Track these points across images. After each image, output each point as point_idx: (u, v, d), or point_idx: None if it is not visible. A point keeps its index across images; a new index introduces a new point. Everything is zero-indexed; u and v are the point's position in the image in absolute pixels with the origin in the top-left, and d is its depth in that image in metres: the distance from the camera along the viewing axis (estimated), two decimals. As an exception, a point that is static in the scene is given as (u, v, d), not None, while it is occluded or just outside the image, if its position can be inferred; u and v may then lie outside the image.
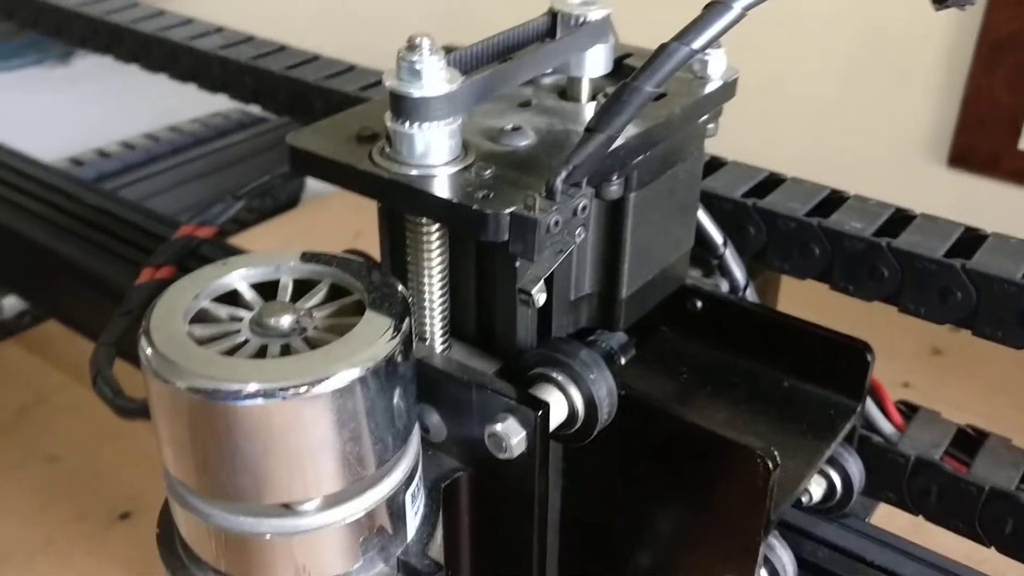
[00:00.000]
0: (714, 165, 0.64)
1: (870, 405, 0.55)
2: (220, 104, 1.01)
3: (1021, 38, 1.13)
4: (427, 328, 0.44)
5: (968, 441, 0.57)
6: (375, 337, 0.36)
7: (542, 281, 0.39)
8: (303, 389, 0.34)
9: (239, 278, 0.40)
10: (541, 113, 0.47)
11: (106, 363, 0.55)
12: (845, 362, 0.51)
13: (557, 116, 0.47)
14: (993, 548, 0.54)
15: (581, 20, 0.47)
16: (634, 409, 0.45)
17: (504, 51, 0.47)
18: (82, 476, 0.95)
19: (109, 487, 0.94)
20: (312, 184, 1.36)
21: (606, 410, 0.43)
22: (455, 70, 0.40)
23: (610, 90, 0.43)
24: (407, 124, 0.40)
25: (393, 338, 0.37)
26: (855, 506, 0.53)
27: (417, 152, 0.40)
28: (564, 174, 0.38)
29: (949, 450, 0.56)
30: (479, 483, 0.43)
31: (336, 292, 0.40)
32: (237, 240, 1.23)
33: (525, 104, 0.48)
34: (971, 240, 0.55)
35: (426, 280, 0.43)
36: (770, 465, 0.43)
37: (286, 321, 0.37)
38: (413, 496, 0.40)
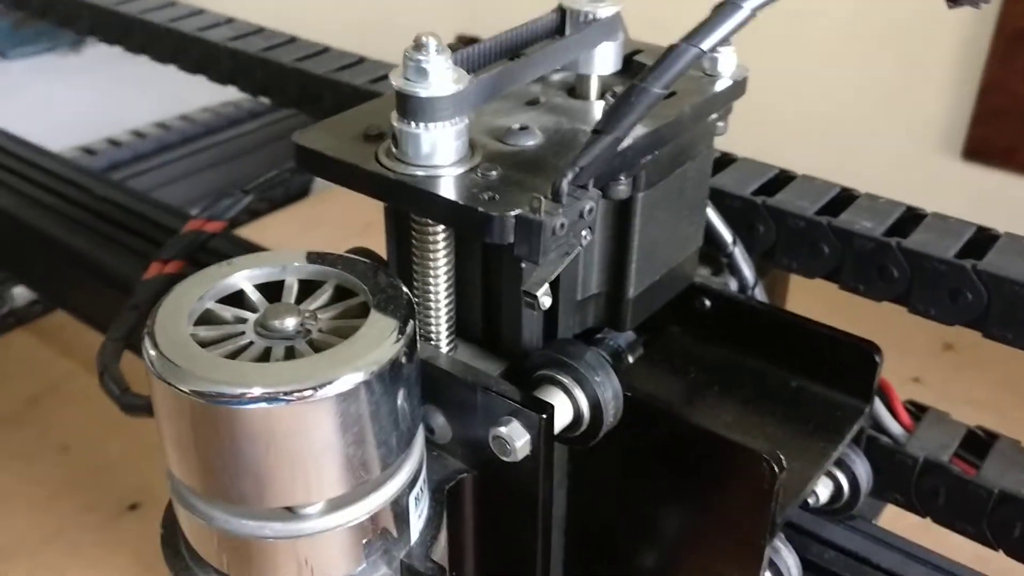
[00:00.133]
0: (724, 162, 0.63)
1: (878, 405, 0.55)
2: (231, 93, 1.01)
3: (1038, 31, 1.12)
4: (433, 328, 0.44)
5: (978, 443, 0.56)
6: (379, 341, 0.36)
7: (547, 284, 0.39)
8: (307, 393, 0.34)
9: (244, 279, 0.40)
10: (549, 111, 0.47)
11: (113, 359, 0.55)
12: (853, 363, 0.50)
13: (565, 115, 0.47)
14: (1001, 551, 0.54)
15: (590, 17, 0.47)
16: (640, 411, 0.45)
17: (512, 48, 0.46)
18: (91, 467, 0.96)
19: (118, 478, 0.94)
20: (322, 174, 1.35)
21: (612, 413, 0.43)
22: (462, 69, 0.40)
23: (618, 89, 0.43)
24: (413, 124, 0.39)
25: (397, 341, 0.36)
26: (862, 507, 0.53)
27: (423, 152, 0.40)
28: (570, 176, 0.37)
29: (958, 452, 0.56)
30: (484, 485, 0.43)
31: (341, 293, 0.40)
32: (247, 230, 1.23)
33: (533, 102, 0.48)
34: (983, 240, 0.55)
35: (432, 280, 0.43)
36: (776, 468, 0.42)
37: (290, 323, 0.37)
38: (417, 499, 0.40)
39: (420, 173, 0.40)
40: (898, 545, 0.52)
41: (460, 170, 0.40)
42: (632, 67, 0.50)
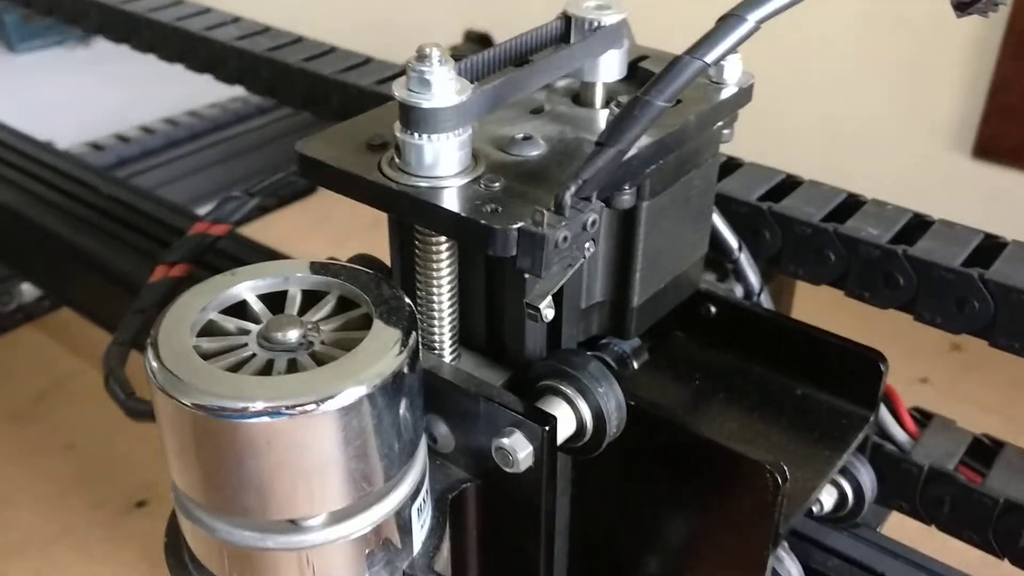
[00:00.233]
0: (730, 166, 0.63)
1: (884, 412, 0.55)
2: (240, 88, 1.01)
3: (1049, 29, 1.11)
4: (436, 337, 0.44)
5: (984, 450, 0.56)
6: (382, 353, 0.36)
7: (550, 296, 0.39)
8: (309, 407, 0.34)
9: (247, 289, 0.40)
10: (553, 120, 0.47)
11: (118, 363, 0.55)
12: (859, 371, 0.50)
13: (569, 123, 0.46)
14: (1007, 560, 0.54)
15: (596, 25, 0.46)
16: (643, 420, 0.45)
17: (517, 56, 0.46)
18: (98, 464, 0.96)
19: (125, 475, 0.95)
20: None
21: (615, 424, 0.43)
22: (465, 80, 0.40)
23: (623, 98, 0.43)
24: (416, 135, 0.39)
25: (400, 354, 0.36)
26: (866, 515, 0.53)
27: (426, 163, 0.40)
28: (573, 189, 0.37)
29: (964, 459, 0.56)
30: (487, 494, 0.43)
31: (344, 303, 0.40)
32: (255, 227, 1.23)
33: (537, 110, 0.48)
34: (990, 248, 0.55)
35: (435, 290, 0.43)
36: (779, 479, 0.42)
37: (293, 335, 0.37)
38: (419, 509, 0.40)
39: (423, 184, 0.40)
40: (902, 553, 0.52)
41: (463, 181, 0.40)
42: (638, 73, 0.50)
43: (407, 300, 0.39)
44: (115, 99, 1.72)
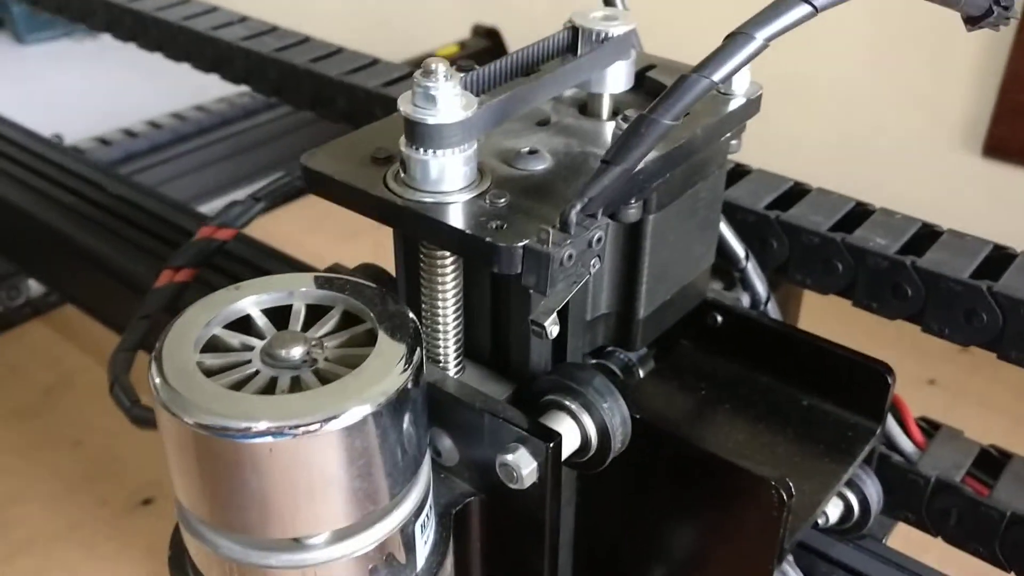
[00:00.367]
0: (738, 173, 0.62)
1: (891, 423, 0.55)
2: (247, 84, 1.02)
3: (1062, 27, 1.11)
4: (440, 351, 0.44)
5: (991, 462, 0.56)
6: (386, 372, 0.36)
7: (555, 313, 0.39)
8: (313, 427, 0.34)
9: (251, 303, 0.40)
10: (559, 132, 0.46)
11: (124, 370, 0.55)
12: (865, 383, 0.50)
13: (576, 136, 0.46)
14: (1013, 573, 0.54)
15: (603, 36, 0.46)
16: (648, 433, 0.45)
17: (524, 68, 0.46)
18: (104, 461, 0.96)
19: (131, 473, 0.95)
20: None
21: (620, 439, 0.43)
22: (471, 95, 0.40)
23: (630, 112, 0.42)
24: (421, 150, 0.39)
25: (404, 372, 0.36)
26: (872, 526, 0.52)
27: (431, 178, 0.40)
28: (579, 206, 0.37)
29: (971, 471, 0.55)
30: (491, 509, 0.43)
31: (348, 318, 0.40)
32: (261, 223, 1.22)
33: (543, 121, 0.47)
34: (999, 259, 0.54)
35: (440, 303, 0.43)
36: (784, 496, 0.42)
37: (297, 352, 0.37)
38: (423, 525, 0.40)
39: (428, 199, 0.40)
40: (907, 565, 0.52)
41: (468, 196, 0.40)
42: (645, 83, 0.49)
43: (411, 316, 0.39)
44: (122, 91, 1.72)
